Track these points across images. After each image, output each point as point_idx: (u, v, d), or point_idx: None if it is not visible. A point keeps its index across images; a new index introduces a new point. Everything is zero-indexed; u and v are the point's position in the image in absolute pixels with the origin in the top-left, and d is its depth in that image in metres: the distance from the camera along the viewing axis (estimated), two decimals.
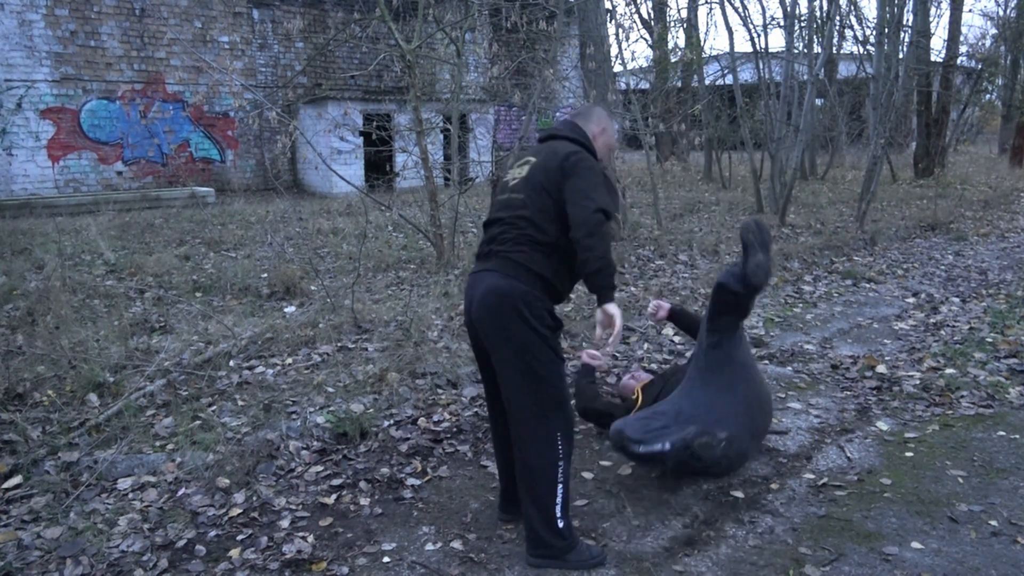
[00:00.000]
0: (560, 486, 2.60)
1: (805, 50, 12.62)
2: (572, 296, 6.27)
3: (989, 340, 5.09)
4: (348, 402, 3.94)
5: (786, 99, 11.84)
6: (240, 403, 3.99)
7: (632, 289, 6.67)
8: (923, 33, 14.57)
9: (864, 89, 18.09)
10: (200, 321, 5.45)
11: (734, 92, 12.65)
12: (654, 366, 4.80)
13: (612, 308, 2.52)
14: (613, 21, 12.68)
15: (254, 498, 3.14)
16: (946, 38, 18.06)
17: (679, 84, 19.50)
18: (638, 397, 3.61)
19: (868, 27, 17.62)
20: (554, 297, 2.66)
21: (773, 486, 3.25)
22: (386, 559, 2.76)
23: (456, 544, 2.84)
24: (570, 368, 4.76)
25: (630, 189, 13.31)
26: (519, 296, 2.53)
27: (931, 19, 18.72)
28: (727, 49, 15.10)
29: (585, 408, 3.70)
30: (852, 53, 20.00)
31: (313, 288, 6.49)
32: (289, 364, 4.60)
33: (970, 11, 47.87)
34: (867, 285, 7.26)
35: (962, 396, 4.18)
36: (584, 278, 2.56)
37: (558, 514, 2.60)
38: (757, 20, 45.90)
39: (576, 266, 2.57)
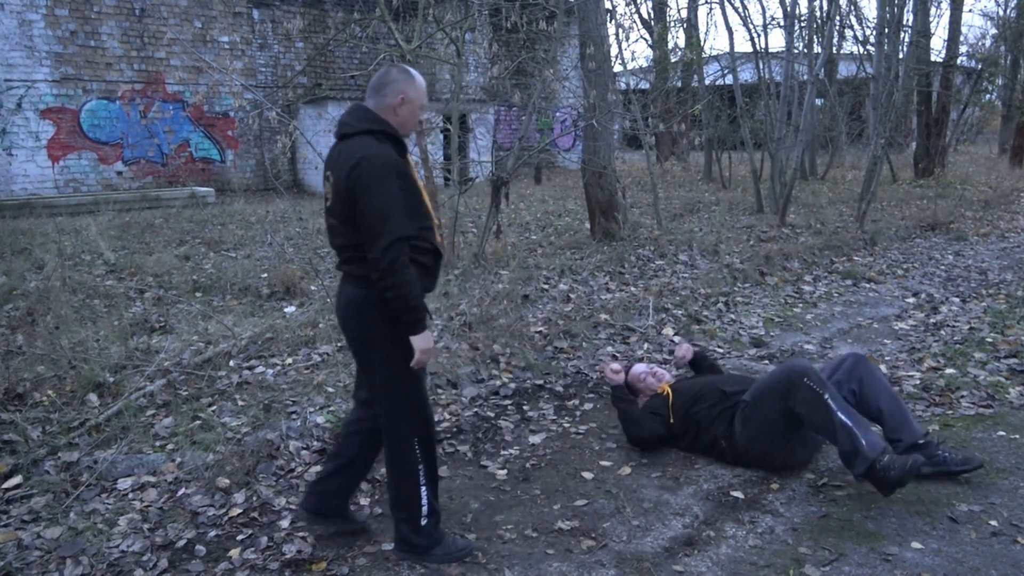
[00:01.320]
0: (423, 488, 2.61)
1: (805, 50, 12.62)
2: (571, 296, 6.27)
3: (989, 340, 5.09)
4: (348, 402, 3.93)
5: (786, 99, 11.84)
6: (240, 403, 3.99)
7: (632, 289, 6.67)
8: (923, 33, 14.57)
9: (864, 89, 18.10)
10: (200, 321, 5.45)
11: (734, 92, 12.65)
12: (653, 366, 4.79)
13: (416, 341, 2.48)
14: (613, 21, 12.69)
15: (254, 498, 3.14)
16: (946, 38, 18.06)
17: (679, 84, 19.50)
18: (668, 395, 3.59)
19: (868, 27, 17.63)
20: None
21: (773, 486, 3.25)
22: (386, 559, 2.76)
23: None
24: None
25: (630, 189, 13.30)
26: (373, 303, 2.48)
27: (931, 19, 18.71)
28: (727, 49, 15.11)
29: (636, 438, 3.60)
30: (852, 53, 20.00)
31: (313, 288, 6.49)
32: (289, 364, 4.60)
33: (970, 11, 47.86)
34: (867, 285, 7.26)
35: (962, 396, 4.18)
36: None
37: (422, 513, 2.62)
38: (757, 20, 45.95)
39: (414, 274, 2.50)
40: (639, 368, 3.85)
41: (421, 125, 2.56)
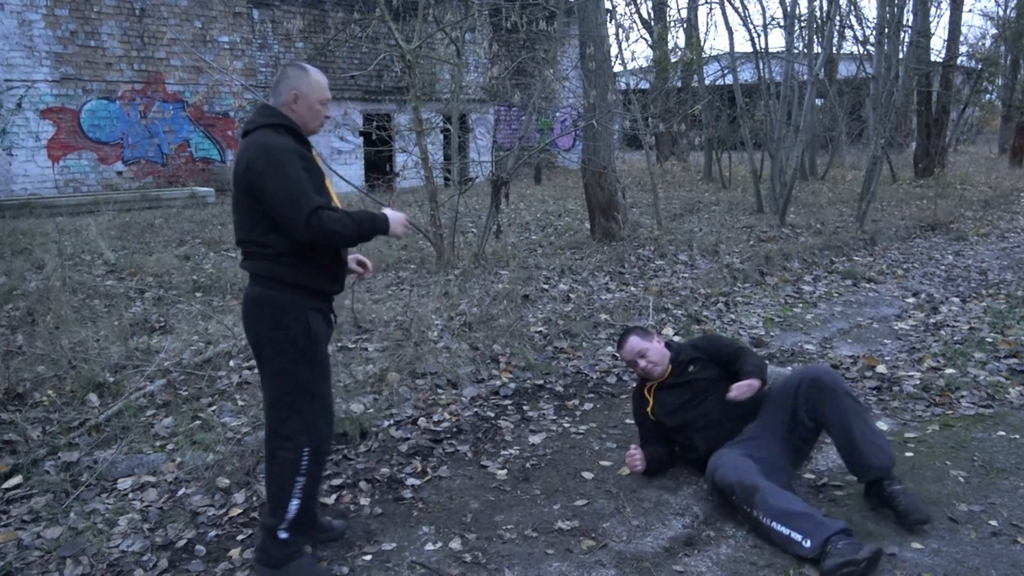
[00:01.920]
0: (295, 501, 2.52)
1: (805, 50, 12.62)
2: (571, 296, 6.27)
3: (989, 340, 5.09)
4: (348, 402, 3.94)
5: (786, 99, 11.84)
6: (240, 403, 3.99)
7: (632, 289, 6.67)
8: (923, 33, 14.58)
9: (864, 89, 18.09)
10: (200, 321, 5.45)
11: (734, 92, 12.65)
12: None
13: (389, 214, 2.54)
14: (613, 21, 12.68)
15: (254, 498, 3.14)
16: (946, 38, 18.08)
17: (679, 84, 19.50)
18: (649, 408, 3.38)
19: (868, 27, 17.63)
20: (317, 297, 2.53)
21: None
22: (386, 559, 2.76)
23: (456, 544, 2.84)
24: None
25: (630, 189, 13.31)
26: (268, 303, 2.46)
27: (931, 19, 18.74)
28: (727, 49, 15.10)
29: (655, 471, 3.36)
30: (852, 53, 20.00)
31: None
32: None
33: (970, 11, 47.90)
34: (867, 285, 7.26)
35: (962, 396, 4.18)
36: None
37: (284, 525, 2.52)
38: (757, 20, 45.95)
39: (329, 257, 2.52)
40: (632, 346, 3.40)
41: (324, 120, 2.59)
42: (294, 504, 2.52)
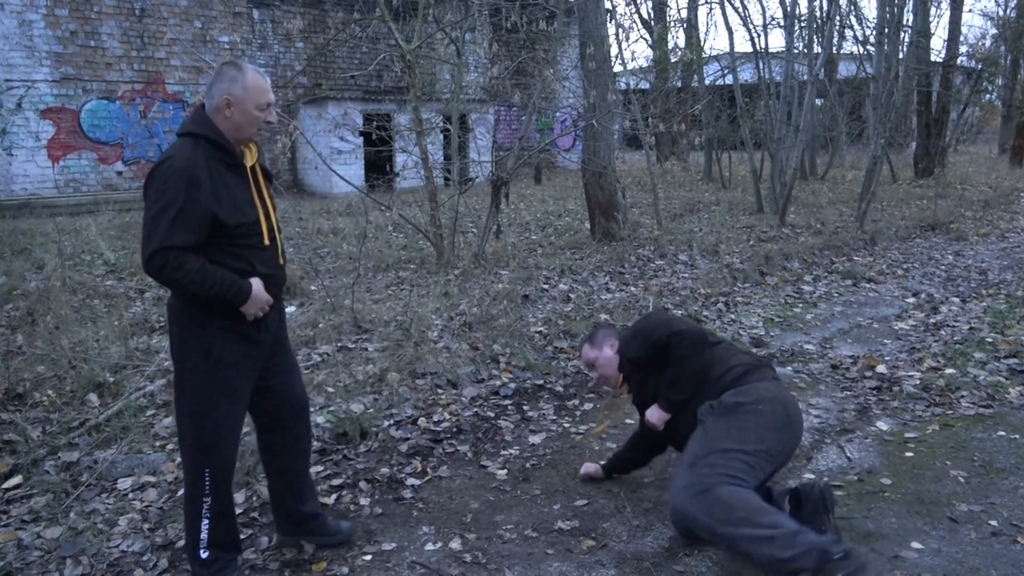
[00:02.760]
0: (205, 521, 2.44)
1: (805, 50, 12.62)
2: (571, 296, 6.27)
3: (989, 340, 5.09)
4: (348, 402, 3.94)
5: (786, 99, 11.84)
6: None
7: (632, 289, 6.67)
8: (923, 33, 14.58)
9: (864, 89, 18.10)
10: None
11: (734, 92, 12.65)
12: None
13: (254, 290, 2.33)
14: (613, 21, 12.69)
15: (254, 498, 3.14)
16: (946, 38, 18.08)
17: (679, 84, 19.50)
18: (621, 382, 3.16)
19: (868, 27, 17.64)
20: (227, 316, 2.35)
21: (773, 486, 3.24)
22: (386, 559, 2.76)
23: (456, 544, 2.84)
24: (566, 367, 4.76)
25: (630, 189, 13.31)
26: (175, 318, 2.38)
27: (931, 19, 18.74)
28: (727, 49, 15.10)
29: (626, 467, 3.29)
30: (852, 53, 20.02)
31: (313, 288, 6.49)
32: None
33: (970, 11, 47.92)
34: (867, 285, 7.26)
35: (962, 396, 4.18)
36: None
37: (201, 545, 2.45)
38: (757, 20, 45.96)
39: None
40: (582, 355, 3.13)
41: (264, 125, 2.39)
42: (204, 524, 2.44)
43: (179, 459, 3.36)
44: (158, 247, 2.17)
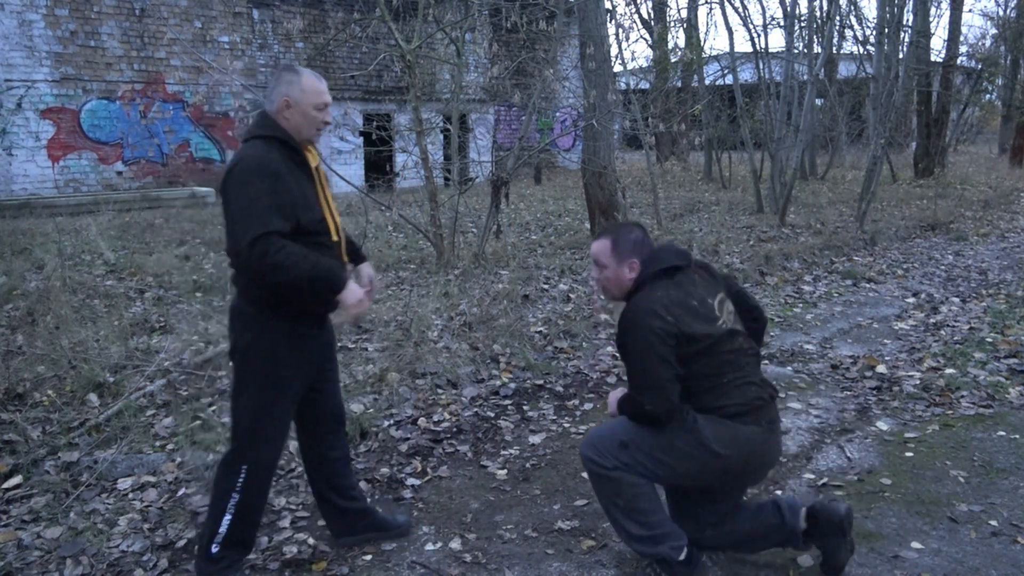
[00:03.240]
0: (228, 517, 2.43)
1: (805, 50, 12.62)
2: (571, 296, 6.27)
3: (989, 340, 5.09)
4: (348, 402, 3.93)
5: (786, 99, 11.84)
6: None
7: None
8: (923, 33, 14.58)
9: (864, 89, 18.10)
10: (200, 321, 5.45)
11: (734, 92, 12.65)
12: None
13: (342, 299, 2.35)
14: (613, 21, 12.69)
15: None
16: (946, 38, 18.08)
17: (679, 84, 19.50)
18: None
19: (868, 27, 17.64)
20: (292, 319, 2.42)
21: (773, 486, 3.25)
22: (386, 559, 2.76)
23: (456, 544, 2.84)
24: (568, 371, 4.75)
25: (630, 189, 13.31)
26: (238, 312, 2.43)
27: (931, 19, 18.74)
28: (727, 49, 15.10)
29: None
30: (852, 53, 20.02)
31: None
32: None
33: (970, 11, 47.95)
34: (867, 285, 7.26)
35: (962, 396, 4.18)
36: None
37: (215, 540, 2.45)
38: (757, 20, 45.95)
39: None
40: (594, 248, 2.63)
41: (323, 125, 2.44)
42: (226, 520, 2.44)
43: (179, 459, 3.37)
44: (260, 233, 2.18)
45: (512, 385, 4.45)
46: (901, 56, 12.46)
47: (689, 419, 2.39)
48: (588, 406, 4.25)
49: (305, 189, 2.39)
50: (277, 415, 2.48)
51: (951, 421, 3.87)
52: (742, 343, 2.49)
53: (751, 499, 2.76)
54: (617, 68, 12.27)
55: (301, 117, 2.40)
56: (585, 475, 3.37)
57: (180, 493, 3.16)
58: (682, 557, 2.47)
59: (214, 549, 2.46)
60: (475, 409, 4.13)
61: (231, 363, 2.51)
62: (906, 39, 12.61)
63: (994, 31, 26.00)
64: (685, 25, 19.01)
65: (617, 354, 4.91)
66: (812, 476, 3.33)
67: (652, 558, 2.52)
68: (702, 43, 17.69)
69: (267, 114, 2.43)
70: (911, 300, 6.62)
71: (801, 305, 6.53)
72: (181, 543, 2.84)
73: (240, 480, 2.44)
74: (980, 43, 26.24)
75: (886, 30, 12.15)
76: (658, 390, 2.35)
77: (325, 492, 2.77)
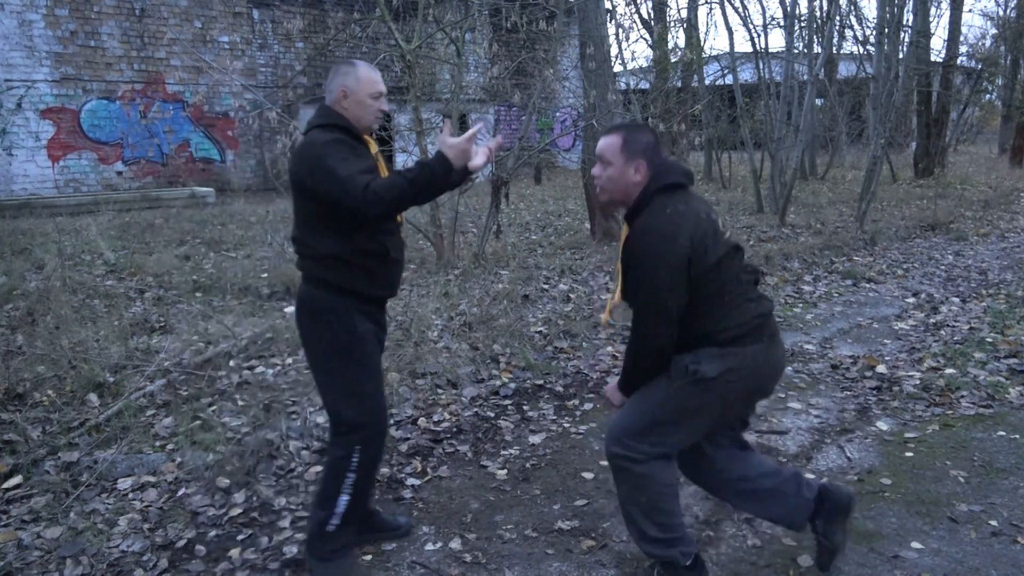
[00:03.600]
0: (344, 496, 2.52)
1: (805, 50, 12.62)
2: (571, 296, 6.27)
3: (989, 340, 5.09)
4: None
5: (786, 99, 11.84)
6: (240, 403, 3.99)
7: None
8: (923, 33, 14.58)
9: (864, 89, 18.09)
10: (200, 321, 5.45)
11: (734, 92, 12.65)
12: None
13: (445, 150, 2.31)
14: (613, 21, 12.68)
15: (254, 498, 3.14)
16: (946, 38, 18.08)
17: (679, 84, 19.49)
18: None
19: (868, 27, 17.63)
20: (364, 301, 2.50)
21: None
22: (386, 559, 2.76)
23: (456, 544, 2.84)
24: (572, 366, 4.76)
25: None
26: (316, 303, 2.46)
27: (931, 19, 18.74)
28: (727, 49, 15.10)
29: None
30: (852, 53, 20.00)
31: None
32: (289, 364, 4.60)
33: (970, 11, 47.96)
34: (867, 285, 7.26)
35: (962, 396, 4.18)
36: (435, 195, 2.42)
37: (331, 520, 2.53)
38: (757, 20, 45.95)
39: (382, 252, 2.47)
40: (601, 144, 2.46)
41: (379, 114, 2.53)
42: (343, 499, 2.53)
43: (179, 459, 3.37)
44: (363, 184, 2.24)
45: (512, 385, 4.45)
46: (901, 56, 12.46)
47: (690, 371, 2.32)
48: (588, 406, 4.25)
49: (367, 162, 2.45)
50: (372, 389, 2.54)
51: (951, 421, 3.87)
52: (740, 260, 2.43)
53: (780, 466, 2.72)
54: (617, 68, 12.26)
55: (358, 106, 2.49)
56: (585, 475, 3.38)
57: (180, 493, 3.16)
58: (689, 563, 2.47)
59: (331, 527, 2.53)
60: (475, 409, 4.13)
61: (308, 353, 2.54)
62: (906, 39, 12.61)
63: (994, 31, 26.02)
64: (685, 25, 18.99)
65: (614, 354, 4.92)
66: (812, 476, 3.33)
67: (659, 560, 2.51)
68: (702, 43, 17.68)
69: (327, 105, 2.53)
70: (911, 300, 6.62)
71: (801, 305, 6.53)
72: (181, 543, 2.84)
73: (355, 460, 2.50)
74: (980, 43, 26.26)
75: (886, 30, 12.15)
76: (664, 319, 2.29)
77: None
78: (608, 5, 16.53)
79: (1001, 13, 25.28)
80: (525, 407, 4.21)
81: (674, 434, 2.41)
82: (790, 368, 4.85)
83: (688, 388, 2.34)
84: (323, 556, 2.57)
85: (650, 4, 21.49)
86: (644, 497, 2.44)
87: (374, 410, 2.56)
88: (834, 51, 17.94)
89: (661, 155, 2.42)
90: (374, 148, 2.57)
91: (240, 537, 2.89)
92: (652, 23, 21.08)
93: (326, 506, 2.54)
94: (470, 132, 2.34)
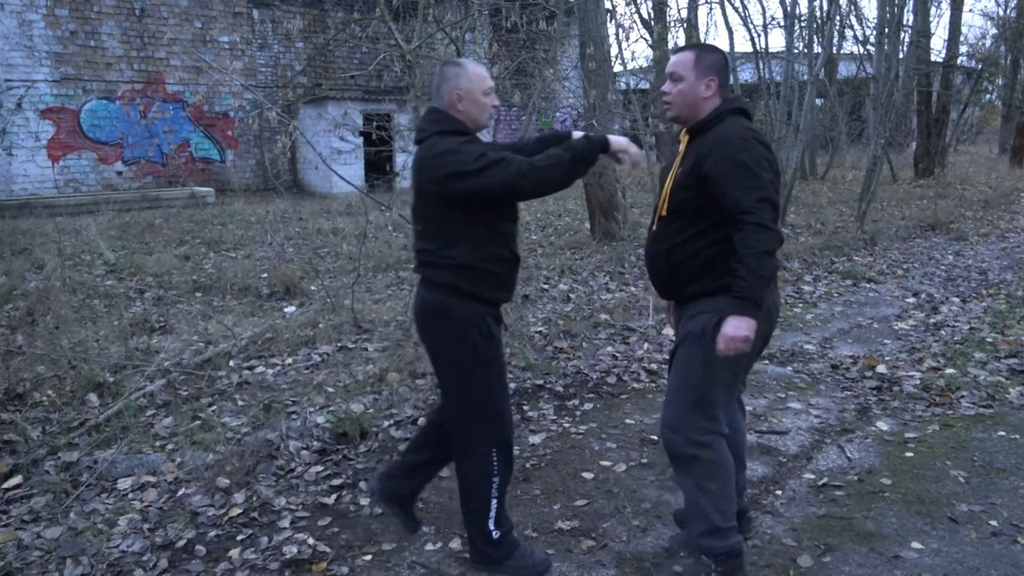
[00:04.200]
0: (494, 501, 2.55)
1: (805, 50, 12.61)
2: (571, 296, 6.27)
3: (989, 340, 5.09)
4: (348, 402, 3.94)
5: (786, 99, 11.83)
6: (240, 403, 3.99)
7: (632, 289, 6.67)
8: (923, 33, 14.58)
9: (864, 89, 18.09)
10: (200, 321, 5.45)
11: (734, 92, 12.64)
12: (654, 366, 4.80)
13: (607, 145, 2.42)
14: (613, 21, 12.67)
15: (254, 498, 3.14)
16: (946, 38, 18.07)
17: None
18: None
19: (868, 27, 17.64)
20: (489, 304, 2.51)
21: (773, 486, 3.25)
22: (386, 559, 2.76)
23: (456, 544, 2.84)
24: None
25: (630, 189, 13.30)
26: (450, 310, 2.46)
27: (931, 19, 18.73)
28: (727, 49, 15.10)
29: None
30: (852, 53, 20.00)
31: (313, 288, 6.49)
32: (289, 364, 4.60)
33: (970, 11, 47.93)
34: (867, 285, 7.26)
35: (962, 396, 4.18)
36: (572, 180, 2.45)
37: (491, 527, 2.56)
38: (757, 20, 45.90)
39: (507, 249, 2.49)
40: (674, 60, 2.50)
41: (493, 110, 2.52)
42: (494, 504, 2.55)
43: (179, 459, 3.37)
44: (512, 161, 2.28)
45: (512, 385, 4.45)
46: (901, 56, 12.47)
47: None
48: (588, 406, 4.25)
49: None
50: (503, 391, 2.56)
51: (951, 421, 3.87)
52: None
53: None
54: (617, 68, 12.25)
55: (473, 105, 2.46)
56: (585, 475, 3.38)
57: (180, 493, 3.16)
58: (741, 548, 2.50)
59: (496, 534, 2.56)
60: None
61: (436, 360, 2.53)
62: (906, 39, 12.62)
63: (994, 31, 26.00)
64: (685, 25, 18.99)
65: (616, 354, 4.91)
66: (812, 476, 3.33)
67: (720, 553, 2.45)
68: (701, 43, 17.67)
69: (438, 109, 2.49)
70: (911, 300, 6.62)
71: (801, 305, 6.53)
72: (181, 543, 2.84)
73: (495, 463, 2.52)
74: (980, 43, 26.23)
75: (886, 30, 12.16)
76: (773, 205, 2.24)
77: (422, 467, 2.80)
78: (608, 5, 16.53)
79: (1001, 13, 25.27)
80: (525, 407, 4.21)
81: (721, 390, 2.42)
82: (790, 368, 4.85)
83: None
84: (498, 560, 2.58)
85: (650, 4, 21.49)
86: (714, 484, 2.43)
87: (507, 411, 2.59)
88: (834, 51, 17.93)
89: (729, 76, 2.47)
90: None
91: (240, 537, 2.89)
92: (652, 23, 21.07)
93: (481, 512, 2.54)
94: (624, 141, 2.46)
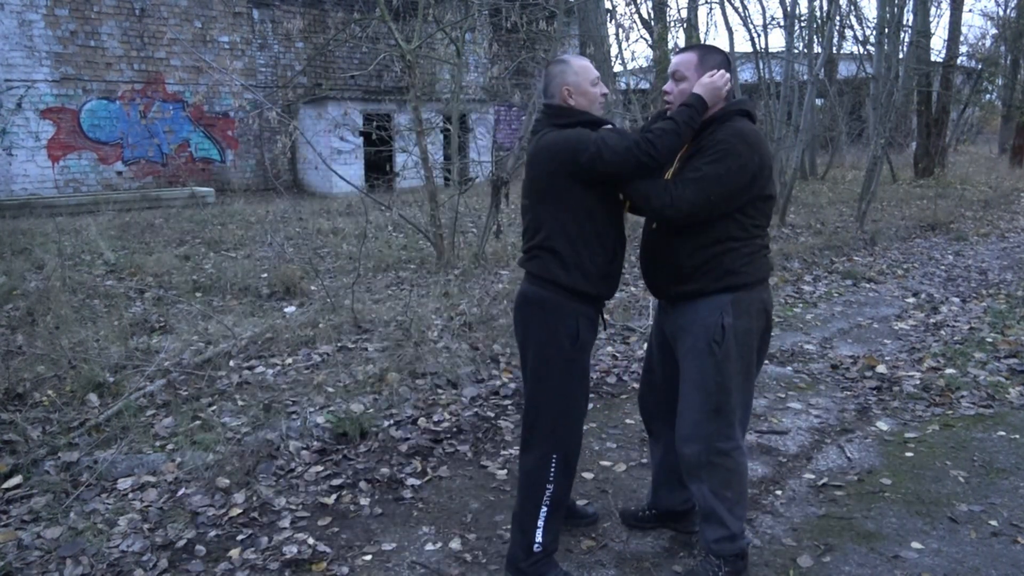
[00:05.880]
0: (544, 509, 2.46)
1: (805, 50, 12.62)
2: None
3: (989, 340, 5.09)
4: (348, 402, 3.94)
5: (786, 99, 11.84)
6: (240, 403, 3.99)
7: (632, 289, 6.67)
8: (923, 33, 14.57)
9: (864, 89, 18.09)
10: (200, 321, 5.45)
11: (734, 92, 12.64)
12: None
13: (701, 92, 2.39)
14: (613, 21, 12.68)
15: (254, 498, 3.14)
16: (946, 38, 18.08)
17: None
18: None
19: (868, 27, 17.63)
20: (588, 302, 2.46)
21: (773, 486, 3.25)
22: (386, 559, 2.76)
23: (456, 544, 2.84)
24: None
25: None
26: (544, 303, 2.43)
27: (931, 19, 18.72)
28: (727, 49, 15.09)
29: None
30: (852, 53, 20.00)
31: (313, 288, 6.49)
32: (289, 364, 4.60)
33: (970, 11, 47.91)
34: (867, 285, 7.26)
35: (962, 396, 4.18)
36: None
37: (536, 538, 2.47)
38: (757, 20, 45.90)
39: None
40: (677, 59, 2.60)
41: (603, 99, 2.53)
42: (543, 513, 2.46)
43: (179, 459, 3.37)
44: (632, 142, 2.30)
45: (512, 385, 4.45)
46: (901, 56, 12.47)
47: (729, 327, 2.37)
48: (588, 406, 4.24)
49: None
50: (581, 401, 2.53)
51: (951, 421, 3.87)
52: (772, 208, 2.52)
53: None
54: (617, 68, 12.26)
55: (583, 97, 2.48)
56: (585, 475, 3.38)
57: (180, 493, 3.16)
58: (747, 549, 2.57)
59: (537, 547, 2.47)
60: (475, 409, 4.12)
61: (528, 354, 2.49)
62: (906, 39, 12.61)
63: (994, 31, 26.00)
64: (685, 25, 18.98)
65: (616, 354, 4.91)
66: (812, 476, 3.33)
67: (730, 555, 2.48)
68: (702, 43, 17.68)
69: (552, 105, 2.51)
70: (911, 300, 6.62)
71: (801, 305, 6.53)
72: (181, 543, 2.84)
73: (552, 471, 2.45)
74: (980, 43, 26.25)
75: (886, 30, 12.16)
76: (698, 200, 2.30)
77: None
78: (608, 5, 16.54)
79: (1001, 13, 25.27)
80: None
81: (739, 393, 2.43)
82: (790, 368, 4.85)
83: (731, 354, 2.38)
84: (533, 573, 2.49)
85: (650, 4, 21.49)
86: (731, 491, 2.44)
87: (578, 421, 2.53)
88: (834, 51, 17.94)
89: (728, 66, 2.53)
90: None
91: (240, 537, 2.89)
92: (652, 23, 21.06)
93: (528, 521, 2.47)
94: (720, 72, 2.41)
